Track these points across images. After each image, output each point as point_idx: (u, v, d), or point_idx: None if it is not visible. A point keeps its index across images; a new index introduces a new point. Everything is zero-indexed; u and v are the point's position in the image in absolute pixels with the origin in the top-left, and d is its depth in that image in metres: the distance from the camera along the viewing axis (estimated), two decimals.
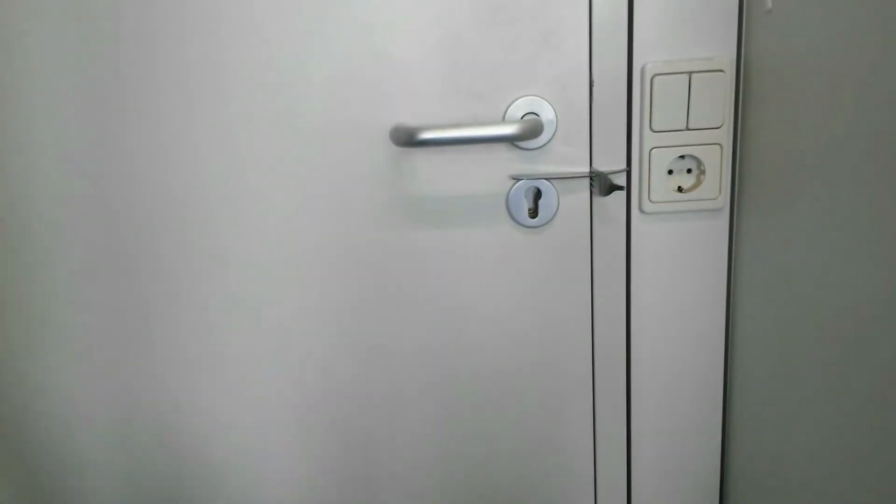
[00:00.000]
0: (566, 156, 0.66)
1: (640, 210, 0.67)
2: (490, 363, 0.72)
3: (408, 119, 0.65)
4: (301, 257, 0.69)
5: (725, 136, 0.64)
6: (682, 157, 0.65)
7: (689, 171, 0.66)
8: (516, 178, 0.66)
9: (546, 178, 0.66)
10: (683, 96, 0.63)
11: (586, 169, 0.66)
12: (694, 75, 0.62)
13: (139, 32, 0.63)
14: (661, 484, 0.76)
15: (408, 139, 0.60)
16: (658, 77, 0.63)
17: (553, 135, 0.65)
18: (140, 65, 0.64)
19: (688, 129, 0.64)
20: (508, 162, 0.66)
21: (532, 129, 0.60)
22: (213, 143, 0.66)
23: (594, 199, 0.68)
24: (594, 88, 0.65)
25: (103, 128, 0.65)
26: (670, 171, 0.66)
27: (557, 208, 0.67)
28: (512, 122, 0.63)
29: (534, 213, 0.67)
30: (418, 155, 0.66)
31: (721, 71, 0.62)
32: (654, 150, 0.65)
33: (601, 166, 0.66)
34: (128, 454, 0.75)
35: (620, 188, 0.64)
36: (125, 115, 0.65)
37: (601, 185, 0.64)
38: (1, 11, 0.63)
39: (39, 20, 0.63)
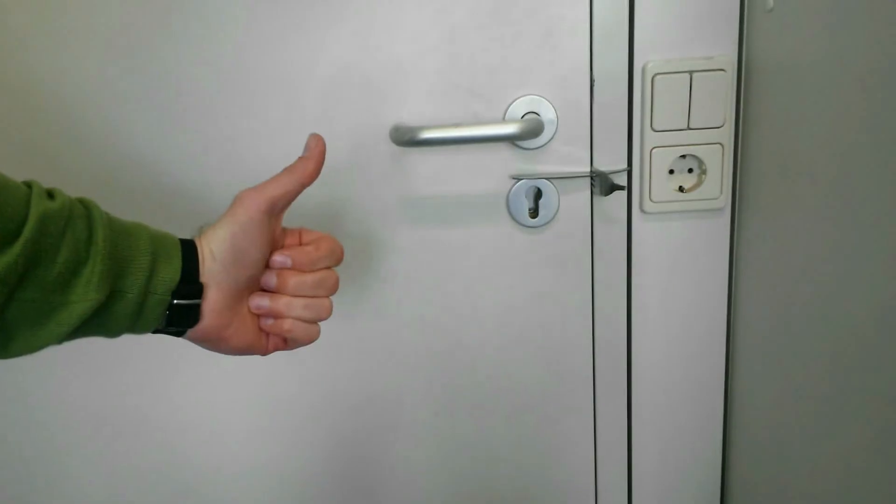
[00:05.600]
0: (567, 155, 0.66)
1: (641, 210, 0.67)
2: (490, 363, 0.72)
3: (408, 118, 0.65)
4: None
5: (727, 135, 0.64)
6: (683, 156, 0.65)
7: (690, 170, 0.66)
8: (517, 178, 0.66)
9: (547, 178, 0.66)
10: (684, 95, 0.63)
11: (587, 168, 0.66)
12: (695, 74, 0.62)
13: (137, 32, 0.63)
14: (661, 487, 0.76)
15: (408, 138, 0.60)
16: (659, 76, 0.63)
17: (554, 134, 0.65)
18: (137, 64, 0.64)
19: (689, 128, 0.64)
20: (509, 161, 0.66)
21: (532, 129, 0.60)
22: (212, 143, 0.65)
23: (595, 198, 0.68)
24: (595, 87, 0.64)
25: (102, 127, 0.65)
26: (671, 171, 0.66)
27: (558, 208, 0.67)
28: (512, 121, 0.63)
29: (534, 212, 0.67)
30: (418, 154, 0.66)
31: (722, 70, 0.62)
32: (655, 150, 0.65)
33: (602, 166, 0.66)
34: (123, 455, 0.75)
35: (621, 188, 0.63)
36: (123, 115, 0.65)
37: (602, 184, 0.64)
38: (6, 14, 0.63)
39: (43, 24, 0.63)
